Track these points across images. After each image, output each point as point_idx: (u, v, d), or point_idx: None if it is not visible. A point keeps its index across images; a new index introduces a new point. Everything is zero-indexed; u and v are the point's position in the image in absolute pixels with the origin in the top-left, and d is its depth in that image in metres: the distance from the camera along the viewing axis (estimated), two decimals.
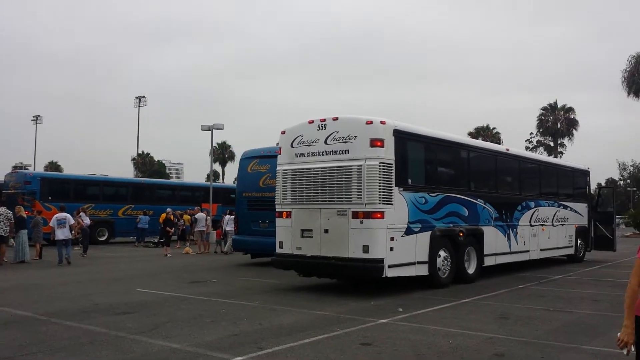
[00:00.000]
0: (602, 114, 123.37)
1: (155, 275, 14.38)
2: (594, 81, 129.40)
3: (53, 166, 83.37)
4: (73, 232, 18.01)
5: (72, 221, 17.60)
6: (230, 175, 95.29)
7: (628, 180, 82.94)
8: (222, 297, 10.36)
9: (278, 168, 11.84)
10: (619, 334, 3.41)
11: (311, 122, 11.36)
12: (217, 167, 79.49)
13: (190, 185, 36.68)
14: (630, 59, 43.78)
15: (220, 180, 76.29)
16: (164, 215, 22.61)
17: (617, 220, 22.81)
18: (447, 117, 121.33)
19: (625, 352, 3.32)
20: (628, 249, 24.43)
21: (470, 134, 58.10)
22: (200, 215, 22.88)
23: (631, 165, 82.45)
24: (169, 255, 20.30)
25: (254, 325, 7.87)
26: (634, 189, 74.95)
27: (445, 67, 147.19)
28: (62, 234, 16.89)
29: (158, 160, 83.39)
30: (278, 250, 11.65)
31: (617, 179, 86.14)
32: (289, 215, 11.41)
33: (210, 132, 28.80)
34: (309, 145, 11.24)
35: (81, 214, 21.00)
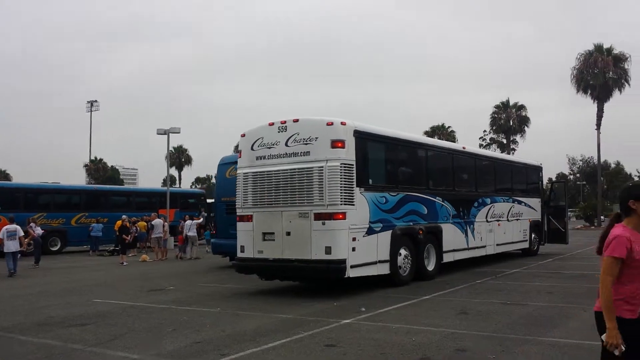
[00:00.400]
0: (552, 110, 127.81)
1: (111, 284, 14.00)
2: (545, 79, 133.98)
3: (1, 174, 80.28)
4: (23, 245, 17.34)
5: (21, 233, 16.96)
6: (187, 179, 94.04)
7: (578, 175, 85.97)
8: (182, 305, 10.17)
9: (238, 171, 11.73)
10: (603, 337, 3.35)
11: (271, 124, 11.30)
12: (173, 171, 78.24)
13: (145, 191, 35.88)
14: (579, 56, 45.46)
15: (177, 185, 75.02)
16: (119, 222, 22.06)
17: (568, 213, 23.59)
18: (404, 117, 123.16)
19: (617, 352, 3.28)
20: (579, 241, 25.32)
21: (427, 133, 59.08)
22: (157, 221, 22.43)
23: (580, 160, 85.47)
24: (125, 263, 19.81)
25: (217, 332, 7.76)
26: (584, 183, 77.82)
27: (402, 67, 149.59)
28: (13, 246, 16.27)
29: (111, 166, 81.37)
30: (239, 254, 11.53)
31: (567, 174, 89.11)
32: (250, 219, 11.32)
33: (166, 136, 28.31)
34: (269, 148, 11.18)
35: (31, 224, 20.29)
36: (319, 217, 10.27)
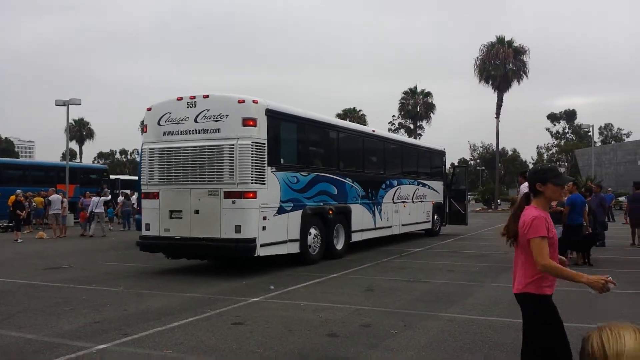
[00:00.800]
0: (456, 98, 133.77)
1: (5, 262, 13.08)
2: (452, 68, 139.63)
3: None
4: None
5: None
6: (88, 154, 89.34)
7: (478, 160, 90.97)
8: (81, 284, 9.70)
9: (144, 147, 11.28)
10: (590, 288, 3.32)
11: (180, 99, 10.93)
12: (74, 145, 74.00)
13: (43, 164, 33.73)
14: (482, 47, 47.57)
15: (78, 160, 71.10)
16: (13, 197, 20.62)
17: (468, 196, 24.90)
18: (317, 100, 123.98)
19: (612, 286, 3.30)
20: (478, 223, 26.89)
21: (339, 116, 59.84)
22: (54, 197, 21.12)
23: (480, 147, 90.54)
24: (20, 240, 18.58)
25: (118, 311, 7.49)
26: (483, 168, 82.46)
27: (316, 51, 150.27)
28: None
29: (5, 138, 75.60)
30: (144, 232, 11.16)
31: (468, 159, 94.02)
32: (156, 196, 10.96)
33: (65, 107, 26.64)
34: (177, 124, 10.82)
35: None
36: (229, 195, 10.13)
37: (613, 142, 79.17)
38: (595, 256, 11.98)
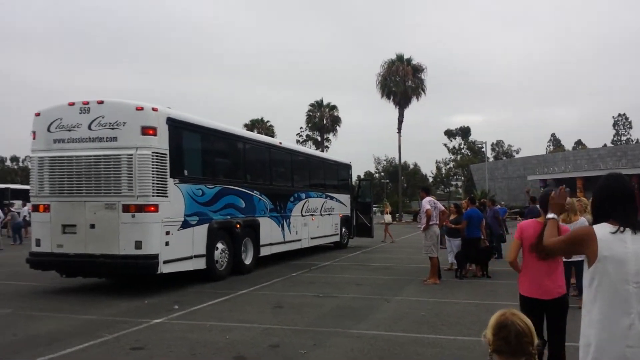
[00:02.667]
0: (361, 112, 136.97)
1: None
2: (357, 82, 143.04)
3: None
4: None
5: None
6: None
7: (382, 173, 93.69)
8: None
9: (32, 155, 10.39)
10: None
11: (72, 104, 10.17)
12: None
13: None
14: (383, 64, 49.08)
15: None
16: None
17: (374, 209, 25.41)
18: (224, 109, 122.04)
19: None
20: (382, 235, 27.46)
21: (246, 126, 59.30)
22: None
23: (385, 160, 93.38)
24: None
25: (7, 336, 6.80)
26: (387, 181, 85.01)
27: (222, 58, 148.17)
28: None
29: None
30: (34, 248, 10.26)
31: (373, 172, 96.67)
32: (47, 209, 10.10)
33: None
34: (69, 131, 10.05)
35: None
36: (128, 209, 9.51)
37: (504, 158, 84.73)
38: (493, 268, 12.55)
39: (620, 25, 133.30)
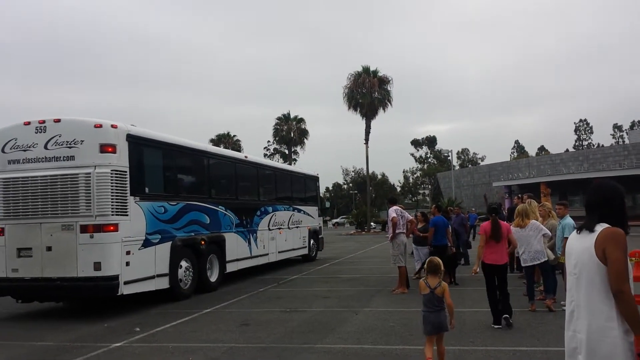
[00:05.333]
0: (328, 124, 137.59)
1: None
2: (324, 95, 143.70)
3: None
4: None
5: None
6: None
7: (351, 184, 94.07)
8: None
9: None
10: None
11: (27, 123, 9.84)
12: None
13: None
14: (350, 76, 49.38)
15: None
16: None
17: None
18: (191, 125, 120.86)
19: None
20: (351, 246, 27.45)
21: (213, 141, 58.88)
22: None
23: (353, 171, 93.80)
24: None
25: None
26: (355, 192, 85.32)
27: (189, 74, 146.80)
28: None
29: None
30: None
31: (342, 183, 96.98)
32: (1, 232, 9.70)
33: None
34: (25, 151, 9.71)
35: None
36: (86, 229, 9.19)
37: (470, 166, 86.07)
38: (461, 275, 12.57)
39: (581, 31, 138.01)
